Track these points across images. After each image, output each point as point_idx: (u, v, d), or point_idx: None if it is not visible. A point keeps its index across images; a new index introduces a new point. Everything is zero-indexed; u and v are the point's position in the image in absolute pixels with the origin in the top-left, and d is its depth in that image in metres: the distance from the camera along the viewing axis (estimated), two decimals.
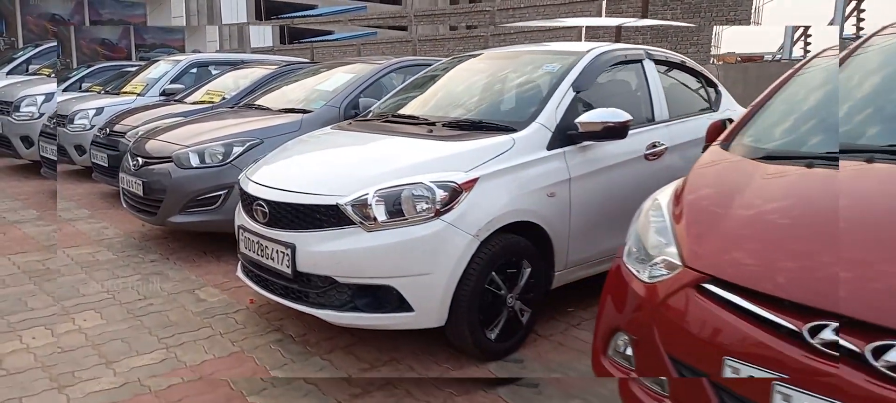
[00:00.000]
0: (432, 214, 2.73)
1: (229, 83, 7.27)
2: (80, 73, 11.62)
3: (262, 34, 26.56)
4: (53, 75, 9.85)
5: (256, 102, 5.62)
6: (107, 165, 6.40)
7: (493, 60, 4.21)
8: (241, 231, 3.24)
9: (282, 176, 3.17)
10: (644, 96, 3.83)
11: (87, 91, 10.31)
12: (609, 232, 3.28)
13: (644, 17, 13.60)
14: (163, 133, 5.05)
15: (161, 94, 8.16)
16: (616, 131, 3.17)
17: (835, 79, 2.45)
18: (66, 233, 5.27)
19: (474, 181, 2.84)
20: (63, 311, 3.57)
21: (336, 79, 5.33)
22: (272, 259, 2.98)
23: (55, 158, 6.51)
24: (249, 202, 3.17)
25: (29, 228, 5.38)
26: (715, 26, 13.51)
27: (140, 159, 4.74)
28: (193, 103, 6.83)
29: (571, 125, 3.23)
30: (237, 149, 4.46)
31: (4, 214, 5.87)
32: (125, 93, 8.25)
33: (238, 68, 7.95)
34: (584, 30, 16.08)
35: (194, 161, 4.44)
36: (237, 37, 23.95)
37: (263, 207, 3.01)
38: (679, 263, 1.87)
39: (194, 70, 8.62)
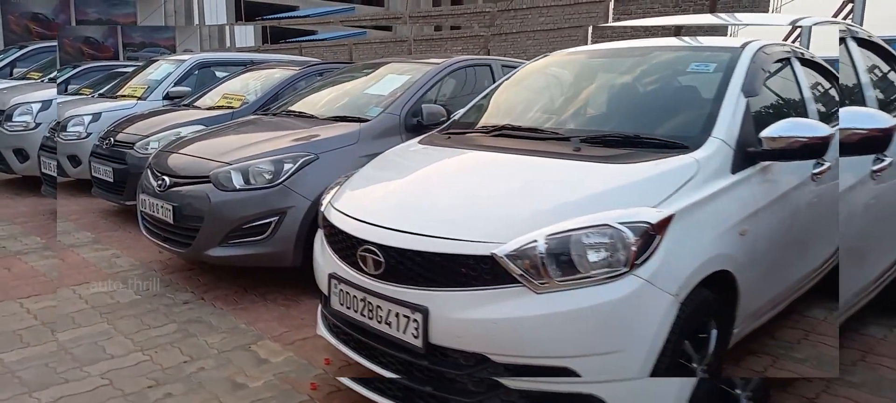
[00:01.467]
0: (625, 268, 1.96)
1: (249, 85, 6.40)
2: (66, 74, 10.56)
3: (244, 35, 25.46)
4: (48, 80, 8.80)
5: (294, 109, 4.77)
6: (111, 180, 5.50)
7: (608, 58, 3.44)
8: (334, 281, 2.42)
9: (395, 211, 2.36)
10: (798, 101, 3.11)
11: (75, 94, 9.31)
12: (791, 269, 2.58)
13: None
14: (189, 145, 4.19)
15: (165, 98, 7.25)
16: (816, 149, 2.44)
17: None
18: (72, 264, 4.37)
19: (669, 219, 2.08)
20: (92, 387, 2.71)
21: (388, 82, 4.52)
22: (389, 324, 2.18)
23: (56, 175, 5.57)
24: (347, 244, 2.36)
25: (35, 261, 4.47)
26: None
27: (166, 178, 3.88)
28: (208, 108, 5.94)
29: (752, 141, 2.50)
30: (288, 166, 3.62)
31: (4, 243, 4.94)
32: (124, 96, 7.31)
33: (250, 69, 7.08)
34: (590, 30, 15.45)
35: (237, 181, 3.59)
36: (217, 37, 22.85)
37: (376, 254, 2.20)
38: None
39: (197, 72, 7.72)
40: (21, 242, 4.95)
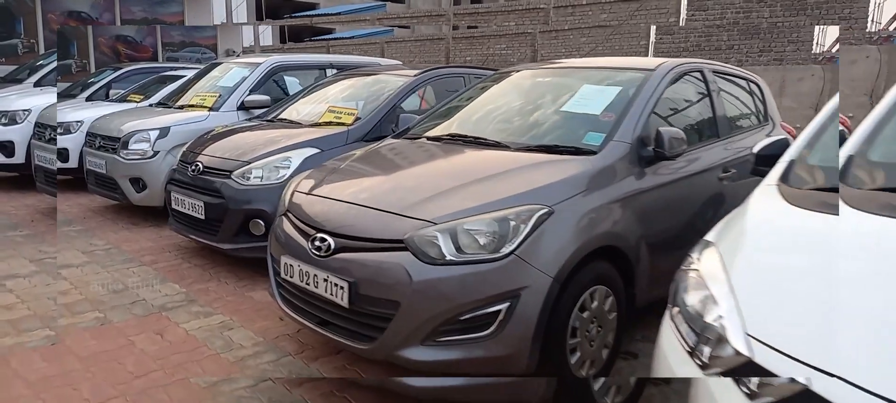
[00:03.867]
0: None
1: (352, 95, 5.23)
2: (105, 78, 9.41)
3: (263, 34, 24.35)
4: (141, 101, 7.59)
5: (451, 131, 3.53)
6: (202, 216, 4.34)
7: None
8: None
9: None
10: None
11: (120, 100, 8.16)
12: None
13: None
14: (341, 185, 2.99)
15: (239, 109, 6.09)
16: None
17: None
18: (179, 342, 3.22)
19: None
20: None
21: (592, 97, 3.31)
22: None
23: (202, 216, 4.38)
24: None
25: (189, 321, 3.33)
26: (819, 24, 11.72)
27: (328, 238, 2.67)
28: (313, 125, 4.76)
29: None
30: (519, 226, 2.42)
31: (155, 299, 3.85)
32: (191, 107, 6.15)
33: (347, 75, 5.89)
34: (653, 30, 14.25)
35: (447, 248, 2.39)
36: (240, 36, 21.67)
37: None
38: None
39: (273, 77, 6.55)
40: (165, 294, 3.80)
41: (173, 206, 4.60)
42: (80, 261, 4.64)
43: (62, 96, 9.29)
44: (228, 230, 4.19)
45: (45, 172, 5.98)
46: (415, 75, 5.06)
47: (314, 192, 3.00)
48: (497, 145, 3.13)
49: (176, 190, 4.57)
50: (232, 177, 4.21)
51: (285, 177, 4.14)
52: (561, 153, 2.90)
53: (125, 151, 5.66)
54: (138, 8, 11.41)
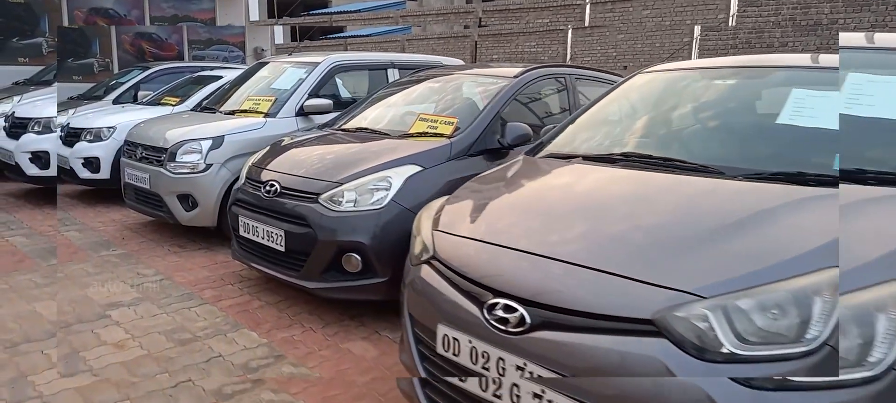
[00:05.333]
0: None
1: (444, 98, 4.44)
2: (132, 78, 8.64)
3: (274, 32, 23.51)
4: (177, 104, 6.89)
5: (622, 149, 2.76)
6: (282, 248, 3.56)
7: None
8: None
9: None
10: None
11: (153, 103, 7.39)
12: None
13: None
14: (524, 223, 2.22)
15: (298, 114, 5.31)
16: None
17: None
18: None
19: None
20: None
21: (816, 105, 2.52)
22: None
23: (281, 247, 3.59)
24: None
25: (287, 388, 2.57)
26: (884, 22, 10.90)
27: (520, 308, 1.89)
28: (403, 136, 3.97)
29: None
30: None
31: (233, 354, 3.04)
32: (243, 112, 5.36)
33: (423, 77, 5.11)
34: (697, 29, 13.47)
35: (725, 335, 1.63)
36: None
37: None
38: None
39: (333, 78, 5.78)
40: (236, 343, 3.01)
41: (241, 233, 3.82)
42: (130, 298, 3.87)
43: (84, 98, 8.54)
44: (316, 265, 3.41)
45: (136, 190, 5.28)
46: (515, 77, 4.26)
47: (475, 235, 2.21)
48: (703, 170, 2.34)
49: (245, 214, 3.79)
50: (320, 200, 3.43)
51: (385, 201, 3.37)
52: (820, 184, 2.11)
53: (172, 164, 4.88)
54: (168, 4, 10.62)
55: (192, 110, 6.55)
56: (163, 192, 4.92)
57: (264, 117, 5.19)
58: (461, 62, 6.81)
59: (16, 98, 7.74)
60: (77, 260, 4.64)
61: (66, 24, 9.55)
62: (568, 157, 2.79)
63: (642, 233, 1.95)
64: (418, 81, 4.90)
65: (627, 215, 2.09)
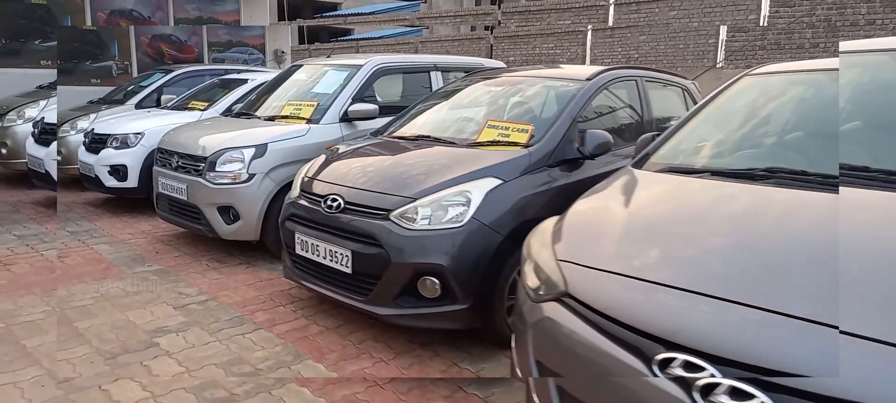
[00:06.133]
0: None
1: (505, 103, 4.09)
2: (155, 81, 8.31)
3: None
4: (206, 108, 6.59)
5: (770, 164, 2.39)
6: (348, 270, 3.21)
7: None
8: None
9: None
10: None
11: (179, 108, 7.06)
12: None
13: None
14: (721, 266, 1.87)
15: (342, 120, 4.97)
16: None
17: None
18: None
19: None
20: None
21: None
22: None
23: (347, 268, 3.22)
24: None
25: None
26: None
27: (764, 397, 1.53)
28: (472, 145, 3.62)
29: None
30: None
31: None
32: (285, 117, 5.02)
33: (468, 80, 4.76)
34: (723, 30, 13.10)
35: None
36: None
37: None
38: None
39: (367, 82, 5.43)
40: (302, 374, 2.68)
41: (298, 251, 3.48)
42: (176, 322, 3.53)
43: (105, 102, 8.22)
44: (387, 290, 3.06)
45: (170, 201, 4.93)
46: (588, 79, 3.92)
47: (620, 269, 1.86)
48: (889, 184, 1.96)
49: (303, 230, 3.45)
50: (391, 217, 3.08)
51: (465, 218, 3.02)
52: None
53: (212, 174, 4.54)
54: (192, 6, 10.30)
55: (223, 115, 6.22)
56: (202, 204, 4.59)
57: (307, 123, 4.85)
58: (502, 64, 6.46)
59: (92, 116, 7.45)
60: (112, 276, 4.30)
61: (89, 24, 9.25)
62: (688, 172, 2.44)
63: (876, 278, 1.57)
64: (472, 84, 4.55)
65: (839, 251, 1.69)
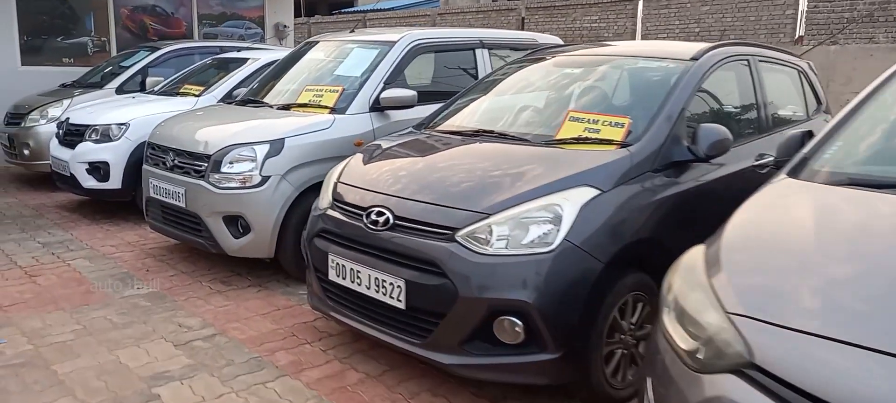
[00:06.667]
0: None
1: (581, 89, 3.71)
2: (138, 61, 8.02)
3: None
4: (202, 93, 6.31)
5: None
6: (402, 305, 2.85)
7: None
8: None
9: None
10: None
11: (168, 93, 6.76)
12: None
13: None
14: None
15: (372, 109, 4.62)
16: None
17: None
18: None
19: None
20: None
21: None
22: None
23: (400, 303, 2.80)
24: None
25: None
26: None
27: None
28: (551, 143, 3.25)
29: None
30: None
31: None
32: (302, 106, 4.68)
33: (528, 59, 4.39)
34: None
35: None
36: None
37: None
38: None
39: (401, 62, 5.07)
40: None
41: (333, 278, 3.13)
42: (179, 366, 3.20)
43: (80, 86, 7.95)
44: (453, 332, 2.71)
45: (164, 208, 4.62)
46: (693, 58, 3.53)
47: (844, 335, 1.49)
48: None
49: (338, 251, 3.10)
50: (458, 238, 2.73)
51: (555, 241, 2.66)
52: None
53: (217, 175, 4.21)
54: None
55: (222, 102, 5.92)
56: (203, 213, 4.26)
57: (331, 113, 4.51)
58: (559, 40, 6.09)
59: (65, 102, 7.18)
60: (95, 303, 4.00)
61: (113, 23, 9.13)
62: (881, 186, 2.07)
63: None
64: (535, 65, 4.19)
65: None
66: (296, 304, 4.02)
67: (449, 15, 20.98)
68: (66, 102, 7.25)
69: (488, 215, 2.75)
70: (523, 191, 2.81)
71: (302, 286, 4.22)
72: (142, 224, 5.69)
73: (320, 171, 4.26)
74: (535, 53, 4.45)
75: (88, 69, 8.66)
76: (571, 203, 2.74)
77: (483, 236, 2.72)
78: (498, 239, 2.71)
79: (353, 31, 5.62)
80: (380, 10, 24.56)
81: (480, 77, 5.27)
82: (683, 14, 14.93)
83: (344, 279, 3.09)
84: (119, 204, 6.14)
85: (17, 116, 7.42)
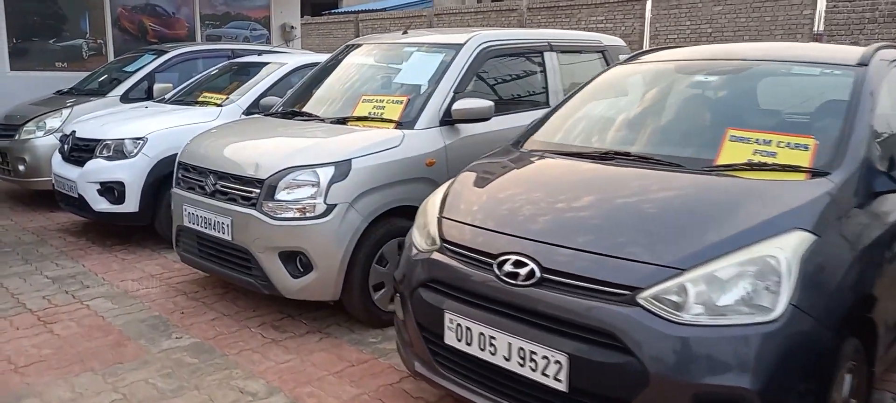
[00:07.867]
0: None
1: (784, 108, 3.08)
2: (144, 65, 7.22)
3: None
4: (224, 102, 5.47)
5: None
6: (563, 386, 2.18)
7: None
8: None
9: None
10: None
11: (182, 102, 6.02)
12: None
13: None
14: None
15: (443, 123, 3.95)
16: None
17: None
18: None
19: None
20: None
21: None
22: None
23: (562, 384, 2.14)
24: None
25: None
26: None
27: None
28: (709, 169, 2.61)
29: None
30: None
31: None
32: (359, 119, 3.97)
33: (624, 62, 3.74)
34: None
35: None
36: None
37: None
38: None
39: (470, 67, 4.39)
40: None
41: (451, 341, 2.45)
42: None
43: (78, 93, 7.16)
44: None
45: (201, 240, 3.87)
46: (861, 63, 2.91)
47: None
48: None
49: (459, 309, 2.41)
50: (640, 300, 2.06)
51: (777, 308, 2.00)
52: None
53: (272, 204, 3.50)
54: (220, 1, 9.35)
55: (250, 112, 5.21)
56: (255, 248, 3.54)
57: (397, 128, 3.83)
58: (621, 41, 5.47)
59: (65, 112, 6.40)
60: (130, 360, 3.27)
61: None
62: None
63: None
64: (643, 70, 3.55)
65: None
66: (371, 357, 3.33)
67: (445, 15, 20.35)
68: (65, 112, 6.48)
69: (681, 271, 2.09)
70: (721, 237, 2.15)
71: (369, 332, 3.57)
72: (161, 250, 4.99)
73: (389, 198, 3.63)
74: (638, 56, 3.79)
75: (85, 74, 7.87)
76: (788, 253, 2.09)
77: (676, 298, 2.06)
78: (695, 304, 2.05)
79: (405, 33, 4.92)
80: (372, 11, 23.87)
81: (550, 84, 4.64)
82: (694, 14, 14.43)
83: (469, 345, 2.40)
84: (132, 227, 5.39)
85: (9, 128, 6.60)
